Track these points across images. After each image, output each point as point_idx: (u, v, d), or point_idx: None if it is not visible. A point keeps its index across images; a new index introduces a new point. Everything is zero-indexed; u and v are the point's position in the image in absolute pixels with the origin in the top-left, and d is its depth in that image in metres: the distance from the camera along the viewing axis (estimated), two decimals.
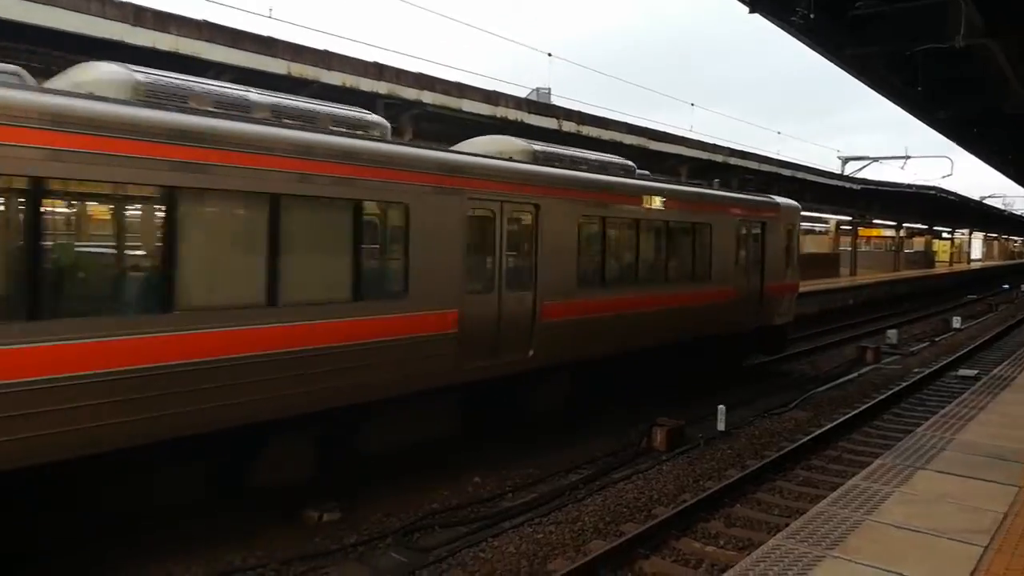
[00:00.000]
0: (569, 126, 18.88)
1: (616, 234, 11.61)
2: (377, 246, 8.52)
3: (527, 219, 9.95)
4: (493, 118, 17.00)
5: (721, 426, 11.29)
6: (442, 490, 8.56)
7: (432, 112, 15.64)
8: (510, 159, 10.04)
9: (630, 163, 12.75)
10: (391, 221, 8.46)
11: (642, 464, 9.84)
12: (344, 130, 8.08)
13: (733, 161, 27.38)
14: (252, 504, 7.42)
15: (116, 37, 10.25)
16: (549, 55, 20.77)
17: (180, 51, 10.96)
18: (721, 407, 11.42)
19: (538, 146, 10.89)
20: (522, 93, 19.90)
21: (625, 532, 7.44)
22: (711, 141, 26.13)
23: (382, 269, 8.55)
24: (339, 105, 8.69)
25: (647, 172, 13.58)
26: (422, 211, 8.33)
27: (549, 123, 18.48)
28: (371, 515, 7.76)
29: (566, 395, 11.12)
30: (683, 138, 24.40)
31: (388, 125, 9.05)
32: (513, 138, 11.12)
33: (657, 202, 12.10)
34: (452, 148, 10.50)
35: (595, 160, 11.71)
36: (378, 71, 14.92)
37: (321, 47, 13.75)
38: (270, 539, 7.06)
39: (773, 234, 15.67)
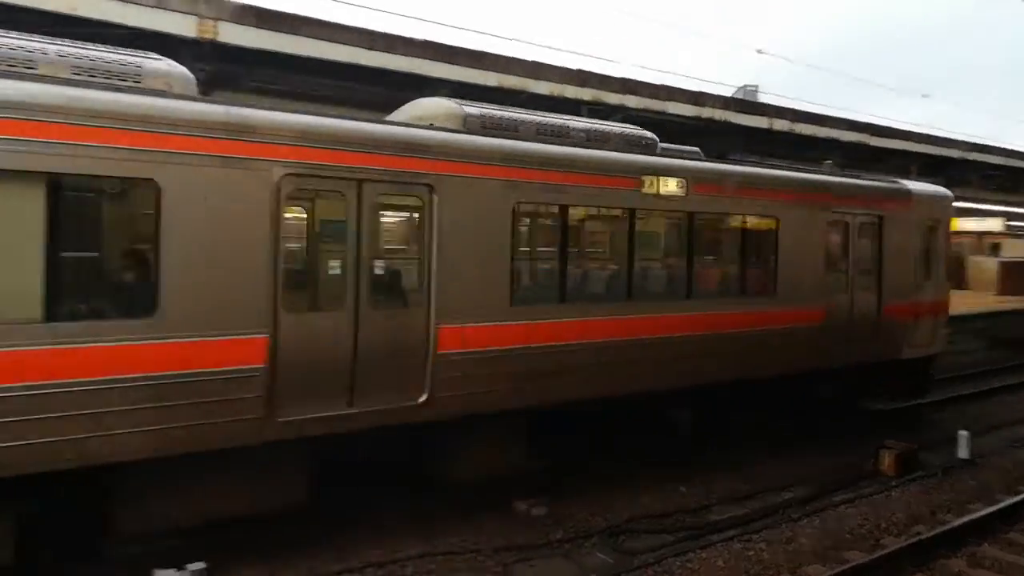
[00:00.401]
0: (781, 124, 17.90)
1: (593, 230, 8.91)
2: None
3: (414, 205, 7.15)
4: (698, 119, 16.61)
5: (964, 453, 9.97)
6: (645, 495, 8.46)
7: (635, 116, 15.60)
8: (430, 126, 7.42)
9: (650, 135, 9.13)
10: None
11: (866, 488, 8.99)
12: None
13: (972, 156, 24.32)
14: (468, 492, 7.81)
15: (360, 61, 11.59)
16: (758, 51, 19.85)
17: (415, 71, 12.08)
18: (964, 432, 10.10)
19: (473, 108, 7.88)
20: (728, 92, 19.25)
21: (849, 559, 6.85)
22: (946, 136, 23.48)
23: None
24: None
25: (696, 149, 9.62)
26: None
27: (759, 122, 17.67)
28: (576, 512, 7.86)
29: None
30: (911, 132, 22.25)
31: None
32: (441, 99, 8.30)
33: (672, 186, 8.59)
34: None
35: (583, 129, 8.54)
36: (582, 78, 15.20)
37: (530, 59, 14.32)
38: (481, 526, 7.42)
39: (899, 232, 11.14)
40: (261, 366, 6.02)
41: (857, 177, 11.68)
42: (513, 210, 7.50)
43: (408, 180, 6.83)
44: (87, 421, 5.36)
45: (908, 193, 11.56)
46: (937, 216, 11.99)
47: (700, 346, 8.78)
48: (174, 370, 5.68)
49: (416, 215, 7.13)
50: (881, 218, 10.98)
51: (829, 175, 11.08)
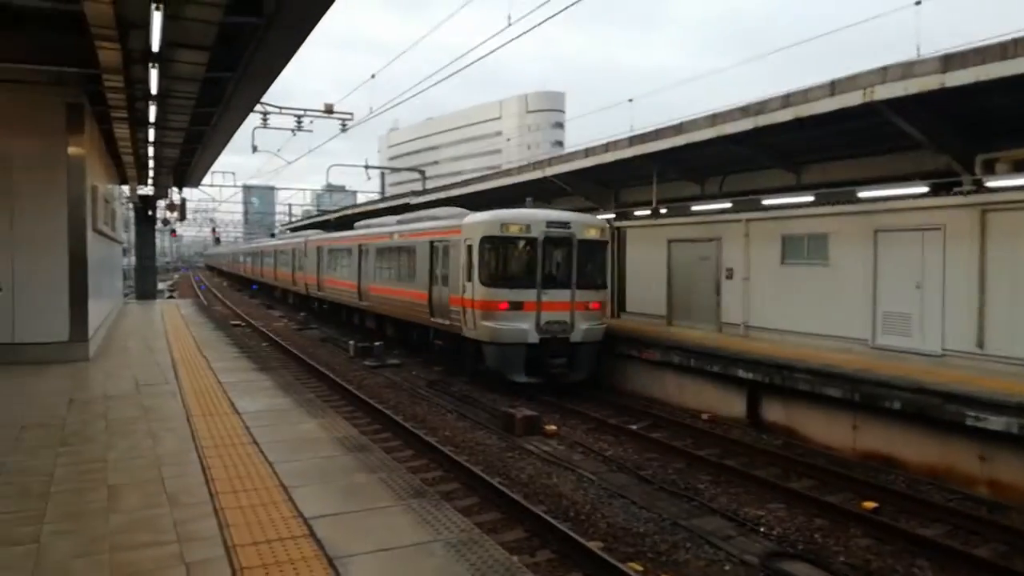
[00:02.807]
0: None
1: (369, 255, 20.98)
2: None
3: None
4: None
5: None
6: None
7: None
8: None
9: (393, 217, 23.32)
10: None
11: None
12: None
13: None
14: None
15: None
16: None
17: None
18: None
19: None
20: None
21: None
22: None
23: None
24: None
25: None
26: None
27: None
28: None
29: None
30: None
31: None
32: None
33: (396, 236, 20.46)
34: None
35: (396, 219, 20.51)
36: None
37: None
38: None
39: (454, 249, 15.67)
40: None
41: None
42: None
43: None
44: None
45: (460, 224, 15.29)
46: (480, 234, 14.33)
47: (399, 302, 18.59)
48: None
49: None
50: (447, 241, 15.76)
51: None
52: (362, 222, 25.45)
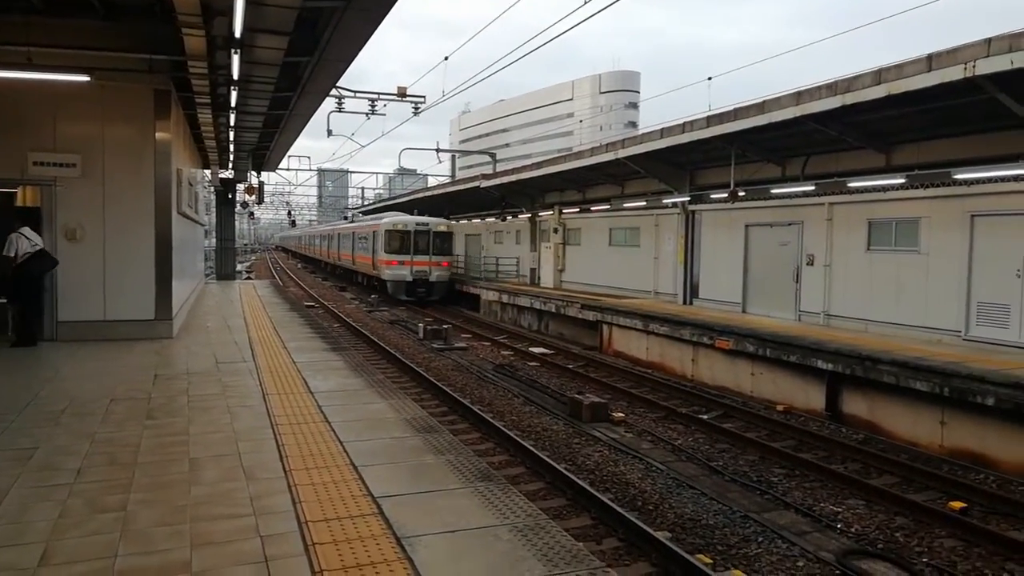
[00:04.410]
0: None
1: (335, 240, 38.27)
2: None
3: None
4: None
5: None
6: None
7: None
8: None
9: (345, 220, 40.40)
10: None
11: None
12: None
13: None
14: None
15: None
16: None
17: None
18: None
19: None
20: None
21: None
22: None
23: None
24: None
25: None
26: None
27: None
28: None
29: None
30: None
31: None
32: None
33: (351, 230, 36.89)
34: None
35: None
36: None
37: None
38: None
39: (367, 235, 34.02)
40: None
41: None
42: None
43: None
44: None
45: (379, 223, 30.09)
46: (384, 229, 29.26)
47: (364, 264, 33.11)
48: None
49: None
50: (377, 232, 29.91)
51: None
52: (364, 218, 41.31)
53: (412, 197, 42.71)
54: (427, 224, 29.25)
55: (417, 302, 28.69)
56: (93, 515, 4.27)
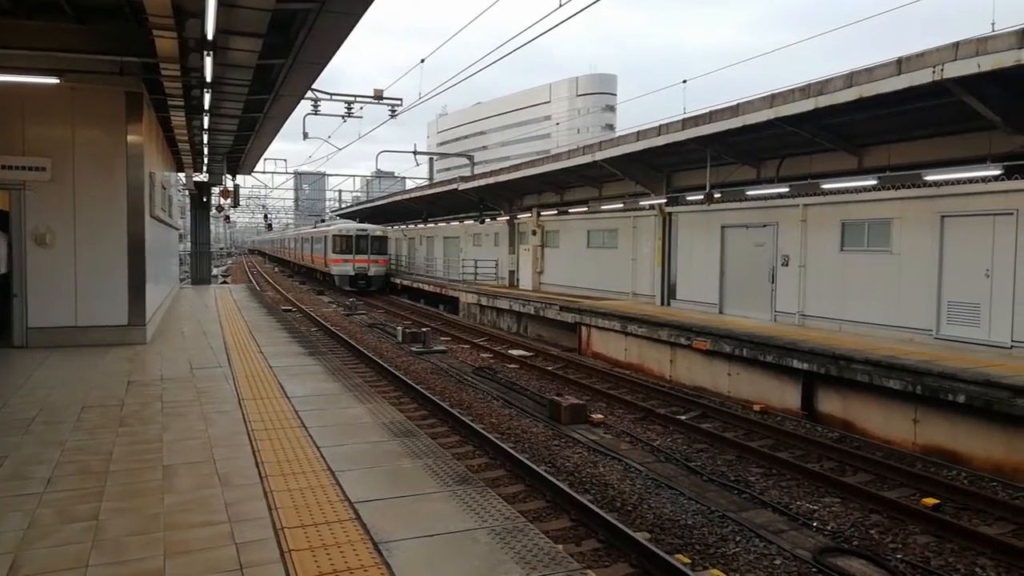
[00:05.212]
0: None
1: (304, 243, 46.46)
2: None
3: None
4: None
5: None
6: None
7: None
8: None
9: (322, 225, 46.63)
10: None
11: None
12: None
13: None
14: None
15: None
16: None
17: None
18: None
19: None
20: None
21: None
22: None
23: None
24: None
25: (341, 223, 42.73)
26: None
27: None
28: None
29: None
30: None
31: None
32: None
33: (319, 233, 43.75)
34: None
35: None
36: None
37: None
38: None
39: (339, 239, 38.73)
40: None
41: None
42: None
43: None
44: None
45: (328, 230, 39.05)
46: (331, 235, 37.90)
47: (319, 262, 40.98)
48: None
49: None
50: (327, 237, 38.60)
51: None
52: (320, 226, 47.22)
53: (387, 200, 42.62)
54: (366, 230, 37.55)
55: (359, 292, 36.38)
56: (63, 525, 4.19)
